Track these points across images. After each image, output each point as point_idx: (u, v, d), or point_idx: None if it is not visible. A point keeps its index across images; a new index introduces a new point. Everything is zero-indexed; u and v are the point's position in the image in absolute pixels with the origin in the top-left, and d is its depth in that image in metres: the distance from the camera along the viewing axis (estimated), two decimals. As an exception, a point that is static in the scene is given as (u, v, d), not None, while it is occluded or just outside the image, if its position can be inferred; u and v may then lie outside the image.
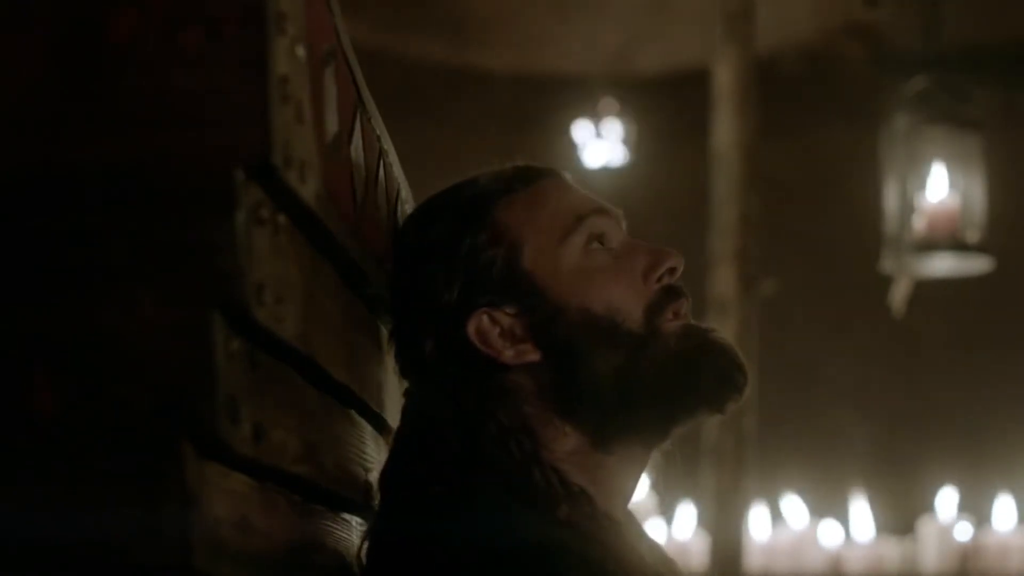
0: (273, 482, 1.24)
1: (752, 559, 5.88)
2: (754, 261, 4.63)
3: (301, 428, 1.28)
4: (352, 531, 1.52)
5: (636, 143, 6.98)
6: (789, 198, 6.72)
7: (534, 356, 1.49)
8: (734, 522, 4.54)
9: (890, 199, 4.69)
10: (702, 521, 5.88)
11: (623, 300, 1.49)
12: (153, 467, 1.08)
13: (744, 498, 4.60)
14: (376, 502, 1.52)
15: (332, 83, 1.34)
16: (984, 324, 6.94)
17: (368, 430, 1.59)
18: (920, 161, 4.65)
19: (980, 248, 4.64)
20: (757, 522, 6.40)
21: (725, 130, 4.63)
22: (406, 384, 1.57)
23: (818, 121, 6.97)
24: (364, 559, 1.45)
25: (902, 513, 6.67)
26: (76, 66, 1.13)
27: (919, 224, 4.61)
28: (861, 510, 6.63)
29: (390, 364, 1.60)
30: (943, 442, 6.84)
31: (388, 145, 1.66)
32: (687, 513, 6.44)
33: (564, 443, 1.48)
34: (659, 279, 1.51)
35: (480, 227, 1.50)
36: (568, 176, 1.58)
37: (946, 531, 6.37)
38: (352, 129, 1.43)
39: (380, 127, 1.62)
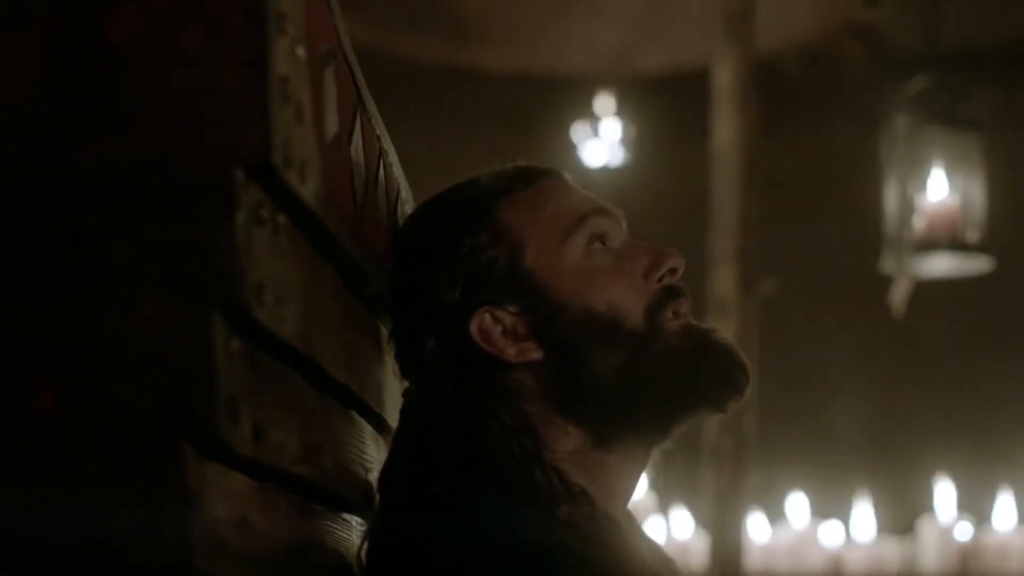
0: (273, 482, 1.24)
1: (752, 559, 5.88)
2: (754, 261, 4.63)
3: (301, 428, 1.28)
4: (352, 531, 1.52)
5: (636, 143, 6.97)
6: (789, 198, 6.72)
7: (536, 355, 1.49)
8: (734, 522, 4.54)
9: (890, 199, 4.69)
10: (702, 521, 5.88)
11: (624, 299, 1.49)
12: (153, 467, 1.08)
13: (744, 498, 4.60)
14: (376, 502, 1.52)
15: (332, 83, 1.34)
16: (984, 324, 6.94)
17: (368, 430, 1.59)
18: (920, 161, 4.65)
19: (980, 248, 4.64)
20: (757, 522, 6.40)
21: (725, 130, 4.63)
22: (406, 384, 1.57)
23: (818, 121, 6.97)
24: (364, 559, 1.45)
25: (902, 513, 6.67)
26: (76, 66, 1.13)
27: (919, 224, 4.61)
28: (862, 510, 6.63)
29: (390, 364, 1.60)
30: (943, 442, 6.84)
31: (388, 145, 1.66)
32: (687, 513, 6.44)
33: (565, 442, 1.49)
34: (660, 279, 1.51)
35: (481, 226, 1.51)
36: (568, 176, 1.58)
37: (946, 531, 6.37)
38: (352, 129, 1.43)
39: (380, 127, 1.62)
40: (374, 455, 1.58)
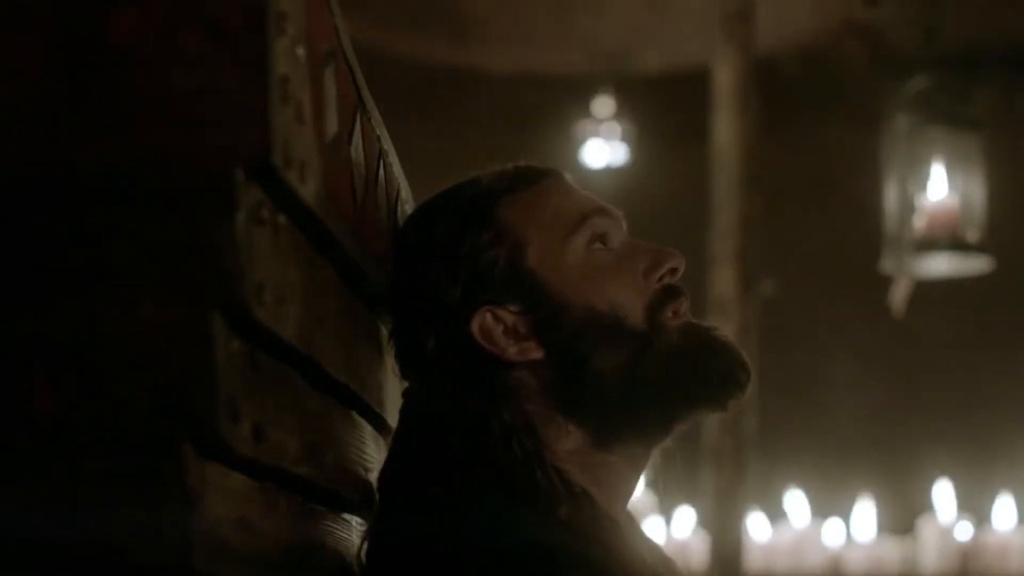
0: (273, 482, 1.24)
1: (752, 559, 5.88)
2: (754, 261, 4.63)
3: (301, 428, 1.28)
4: (352, 531, 1.52)
5: (636, 143, 6.98)
6: (789, 198, 6.72)
7: (537, 354, 1.49)
8: (734, 522, 4.54)
9: (890, 199, 4.69)
10: (702, 521, 5.88)
11: (625, 298, 1.50)
12: (153, 467, 1.08)
13: (744, 498, 4.60)
14: (376, 502, 1.52)
15: (332, 83, 1.34)
16: (984, 324, 6.94)
17: (368, 430, 1.59)
18: (920, 161, 4.65)
19: (980, 248, 4.64)
20: (757, 522, 6.40)
21: (725, 130, 4.63)
22: (406, 384, 1.57)
23: (818, 121, 6.97)
24: (364, 559, 1.45)
25: (902, 513, 6.67)
26: (76, 66, 1.13)
27: (919, 224, 4.61)
28: (863, 510, 6.63)
29: (390, 364, 1.60)
30: (943, 442, 6.84)
31: (388, 145, 1.66)
32: (687, 513, 6.44)
33: (566, 442, 1.49)
34: (660, 279, 1.52)
35: (483, 226, 1.51)
36: (569, 177, 1.58)
37: (946, 531, 6.38)
38: (352, 129, 1.43)
39: (380, 127, 1.62)
40: (374, 455, 1.58)
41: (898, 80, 4.73)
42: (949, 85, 4.64)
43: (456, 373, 1.49)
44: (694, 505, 6.22)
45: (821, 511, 6.66)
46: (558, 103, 6.96)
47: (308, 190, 1.22)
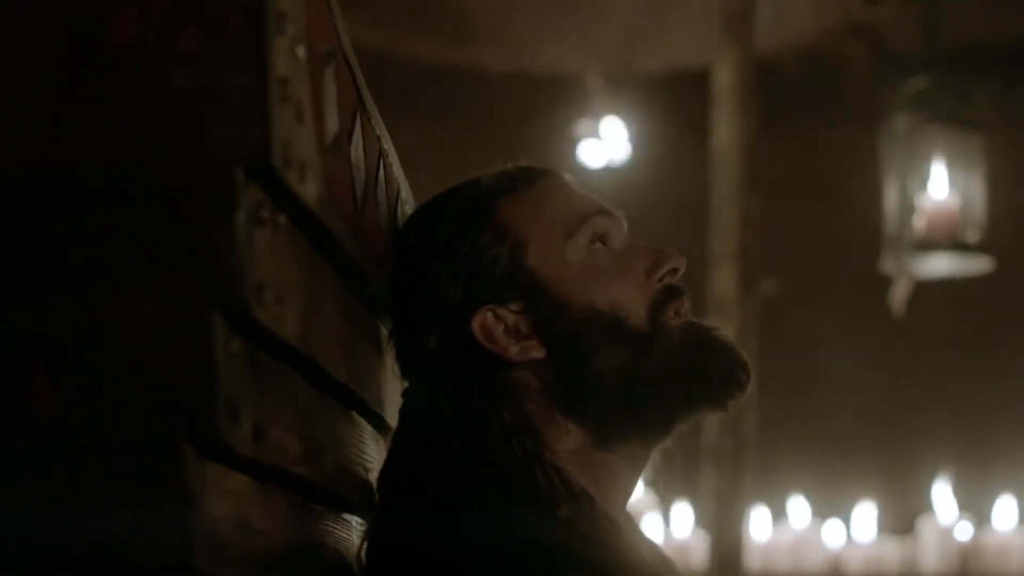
0: (273, 482, 1.24)
1: (752, 559, 5.88)
2: (754, 261, 4.63)
3: (301, 428, 1.28)
4: (352, 531, 1.52)
5: (636, 143, 6.97)
6: (789, 198, 6.72)
7: (538, 353, 1.49)
8: (734, 522, 4.54)
9: (890, 199, 4.69)
10: (702, 521, 5.88)
11: (626, 298, 1.50)
12: (153, 467, 1.08)
13: (744, 498, 4.60)
14: (376, 502, 1.52)
15: (332, 83, 1.34)
16: (984, 324, 6.94)
17: (368, 430, 1.59)
18: (920, 161, 4.66)
19: (980, 248, 4.65)
20: (757, 522, 6.40)
21: (725, 130, 4.63)
22: (406, 384, 1.57)
23: (818, 121, 6.97)
24: (364, 559, 1.45)
25: (902, 513, 6.67)
26: (76, 66, 1.13)
27: (919, 224, 4.62)
28: (862, 510, 6.63)
29: (390, 364, 1.60)
30: (943, 442, 6.84)
31: (388, 145, 1.66)
32: (686, 513, 6.45)
33: (566, 442, 1.49)
34: (661, 279, 1.52)
35: (483, 226, 1.51)
36: (569, 177, 1.58)
37: (946, 531, 6.38)
38: (352, 129, 1.43)
39: (380, 127, 1.62)
40: (374, 455, 1.58)
41: (898, 80, 4.73)
42: (949, 85, 4.65)
43: (456, 373, 1.49)
44: (694, 505, 6.22)
45: (821, 511, 6.66)
46: (558, 103, 6.96)
47: (308, 190, 1.22)
